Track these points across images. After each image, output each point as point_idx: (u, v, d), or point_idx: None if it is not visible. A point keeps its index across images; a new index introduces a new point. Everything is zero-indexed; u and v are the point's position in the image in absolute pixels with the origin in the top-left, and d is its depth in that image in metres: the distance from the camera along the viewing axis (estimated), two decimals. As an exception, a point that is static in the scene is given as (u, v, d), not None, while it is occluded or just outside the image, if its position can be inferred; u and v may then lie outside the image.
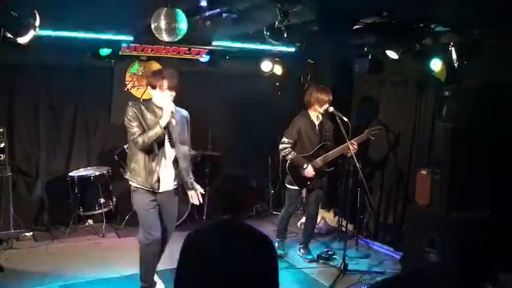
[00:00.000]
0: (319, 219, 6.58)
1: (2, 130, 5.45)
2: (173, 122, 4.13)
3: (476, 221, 4.46)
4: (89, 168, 6.26)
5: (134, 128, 4.03)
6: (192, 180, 4.34)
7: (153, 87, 4.10)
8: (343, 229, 6.04)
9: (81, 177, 5.92)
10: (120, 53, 5.78)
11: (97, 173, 5.96)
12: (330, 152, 5.23)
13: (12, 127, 5.95)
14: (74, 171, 6.10)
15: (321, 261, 5.42)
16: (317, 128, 5.27)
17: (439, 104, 5.01)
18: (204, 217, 6.63)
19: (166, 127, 4.09)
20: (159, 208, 4.25)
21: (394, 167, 6.00)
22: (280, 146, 5.18)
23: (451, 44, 4.63)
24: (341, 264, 5.09)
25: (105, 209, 6.00)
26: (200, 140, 6.84)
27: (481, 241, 4.38)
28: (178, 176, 4.33)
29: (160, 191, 4.18)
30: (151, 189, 4.14)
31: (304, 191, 5.74)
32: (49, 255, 5.39)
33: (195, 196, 4.31)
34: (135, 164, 4.15)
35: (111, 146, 6.36)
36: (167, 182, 4.24)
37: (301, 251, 5.60)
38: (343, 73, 6.74)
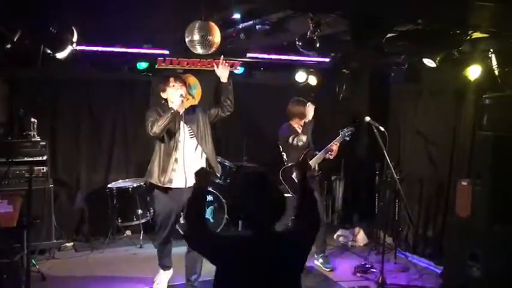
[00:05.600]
0: (356, 230, 6.48)
1: (44, 143, 5.60)
2: (181, 111, 4.35)
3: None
4: (127, 180, 6.38)
5: (149, 119, 4.28)
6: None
7: (164, 90, 4.41)
8: (381, 242, 5.90)
9: (119, 189, 6.04)
10: (156, 66, 5.90)
11: (135, 185, 6.05)
12: (319, 154, 5.35)
13: (54, 140, 6.15)
14: (113, 183, 6.23)
15: (358, 274, 5.31)
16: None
17: (480, 113, 4.86)
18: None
19: (181, 119, 4.35)
20: None
21: (434, 177, 5.83)
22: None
23: (491, 50, 4.49)
24: (379, 278, 4.97)
25: (143, 220, 6.09)
26: (235, 152, 6.86)
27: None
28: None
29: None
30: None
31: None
32: (89, 266, 5.51)
33: None
34: None
35: (149, 158, 6.44)
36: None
37: (320, 260, 5.53)
38: (380, 83, 6.65)
